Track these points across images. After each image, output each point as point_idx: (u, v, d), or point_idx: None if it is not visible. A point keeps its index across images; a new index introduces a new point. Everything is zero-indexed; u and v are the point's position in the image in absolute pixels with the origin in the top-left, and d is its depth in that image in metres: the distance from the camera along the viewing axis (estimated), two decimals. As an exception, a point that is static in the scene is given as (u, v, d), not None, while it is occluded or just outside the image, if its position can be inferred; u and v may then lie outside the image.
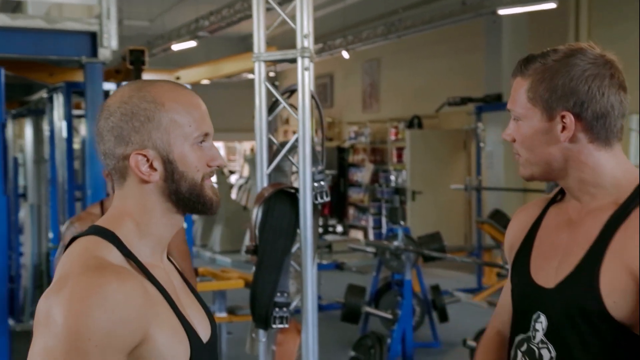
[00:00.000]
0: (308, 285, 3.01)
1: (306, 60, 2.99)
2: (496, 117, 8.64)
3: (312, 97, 3.01)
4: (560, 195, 1.43)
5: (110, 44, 4.23)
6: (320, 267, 5.44)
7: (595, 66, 1.29)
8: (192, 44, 9.72)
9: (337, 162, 11.82)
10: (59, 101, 5.41)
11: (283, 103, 3.11)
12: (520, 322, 1.38)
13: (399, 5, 9.41)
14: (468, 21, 8.39)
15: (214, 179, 1.20)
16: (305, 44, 2.98)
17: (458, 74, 9.94)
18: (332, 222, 11.75)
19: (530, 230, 1.43)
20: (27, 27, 4.23)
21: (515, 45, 8.60)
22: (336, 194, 11.49)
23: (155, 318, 1.07)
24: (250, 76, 9.24)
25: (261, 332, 3.07)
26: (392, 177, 10.84)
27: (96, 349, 0.99)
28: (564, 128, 1.30)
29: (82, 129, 6.04)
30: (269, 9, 3.19)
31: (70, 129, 5.31)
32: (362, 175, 11.91)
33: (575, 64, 1.29)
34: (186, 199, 1.16)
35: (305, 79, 2.99)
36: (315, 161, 3.01)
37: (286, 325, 2.92)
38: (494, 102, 8.31)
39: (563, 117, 1.30)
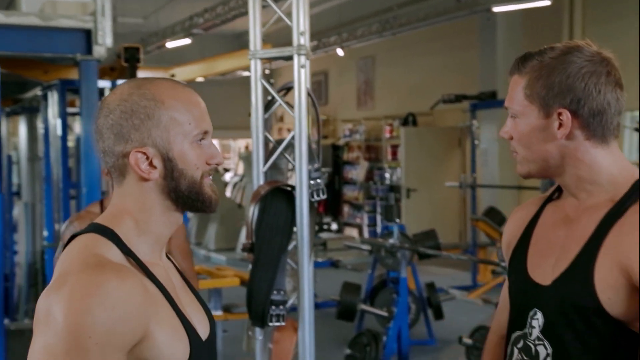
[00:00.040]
0: (305, 283, 3.01)
1: (302, 58, 2.99)
2: (491, 115, 8.66)
3: (309, 94, 3.00)
4: (558, 193, 1.43)
5: (105, 42, 4.22)
6: (316, 264, 5.44)
7: (592, 63, 1.30)
8: (186, 41, 9.69)
9: (331, 160, 11.83)
10: (53, 99, 5.39)
11: (279, 101, 3.11)
12: (517, 319, 1.38)
13: (394, 2, 9.40)
14: (462, 18, 8.39)
15: None
16: (302, 41, 2.98)
17: (453, 72, 9.95)
18: (326, 219, 11.75)
19: (527, 227, 1.43)
20: (21, 25, 4.21)
21: (509, 43, 8.62)
22: (331, 192, 11.49)
23: (155, 316, 1.07)
24: (245, 74, 9.23)
25: (258, 330, 3.07)
26: (387, 175, 10.85)
27: (97, 346, 0.99)
28: (560, 125, 1.31)
29: (77, 126, 6.03)
30: (264, 6, 3.18)
31: (65, 127, 5.30)
32: (357, 172, 11.92)
33: (572, 61, 1.30)
34: (185, 196, 1.16)
35: (301, 76, 2.99)
36: (311, 159, 3.02)
37: (283, 323, 2.92)
38: (489, 100, 8.32)
39: (560, 114, 1.30)
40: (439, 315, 5.67)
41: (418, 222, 8.91)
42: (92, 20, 4.22)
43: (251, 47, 3.12)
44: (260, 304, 2.87)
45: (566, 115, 1.30)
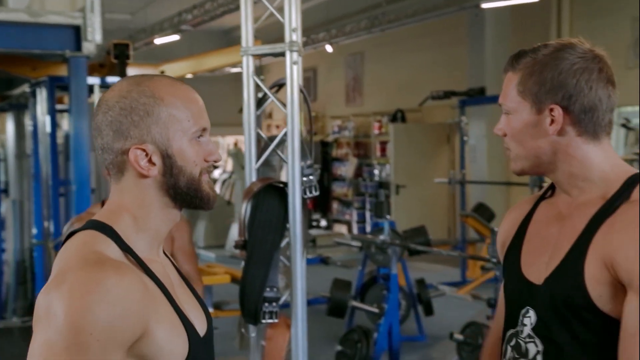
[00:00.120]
0: (297, 279, 3.01)
1: (294, 54, 2.98)
2: (479, 111, 8.69)
3: (301, 91, 3.01)
4: (551, 191, 1.44)
5: (94, 38, 4.19)
6: (306, 261, 5.44)
7: (584, 60, 1.31)
8: (175, 37, 9.65)
9: (320, 156, 11.82)
10: (42, 95, 5.36)
11: (272, 97, 3.11)
12: (511, 317, 1.39)
13: (382, -1, 9.41)
14: (451, 14, 8.42)
15: None
16: (294, 37, 2.98)
17: (441, 68, 9.97)
18: (316, 216, 11.76)
19: (521, 226, 1.44)
20: (9, 21, 4.18)
21: (498, 39, 8.66)
22: (320, 188, 11.47)
23: (155, 313, 1.07)
24: (234, 70, 9.20)
25: (251, 327, 3.07)
26: (376, 171, 10.87)
27: (97, 343, 1.00)
28: (552, 121, 1.32)
29: (65, 123, 5.99)
30: (255, 2, 3.17)
31: (54, 124, 5.27)
32: (346, 169, 11.93)
33: (564, 58, 1.31)
34: (184, 193, 1.16)
35: (293, 73, 2.99)
36: (304, 155, 3.02)
37: (276, 320, 2.92)
38: (477, 96, 8.35)
39: (552, 110, 1.31)
40: (429, 311, 5.70)
41: (407, 218, 8.93)
42: (81, 16, 4.20)
43: (243, 43, 3.11)
44: (253, 301, 2.87)
45: (558, 112, 1.31)
